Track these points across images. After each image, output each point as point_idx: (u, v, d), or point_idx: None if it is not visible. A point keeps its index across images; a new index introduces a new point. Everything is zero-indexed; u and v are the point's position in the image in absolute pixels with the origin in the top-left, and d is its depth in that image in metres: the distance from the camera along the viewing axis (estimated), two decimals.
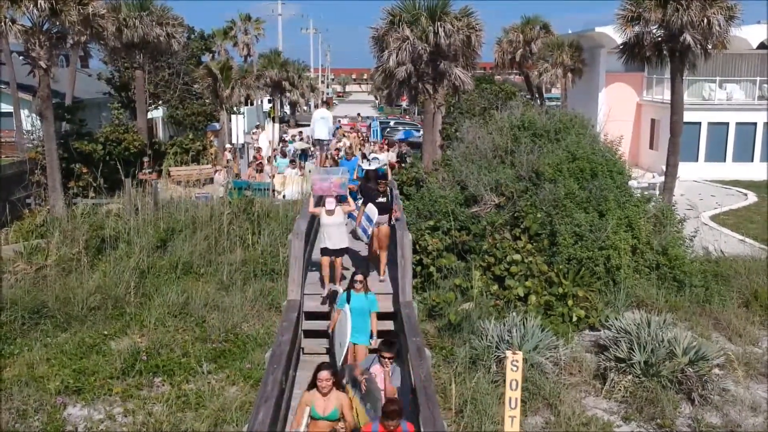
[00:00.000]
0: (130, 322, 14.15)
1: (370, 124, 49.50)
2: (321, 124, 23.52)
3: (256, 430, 7.73)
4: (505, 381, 8.41)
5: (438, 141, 26.51)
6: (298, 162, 28.24)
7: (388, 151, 29.43)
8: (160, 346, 13.08)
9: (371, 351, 10.37)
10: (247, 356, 12.90)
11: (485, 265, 15.09)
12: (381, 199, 13.44)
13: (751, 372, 12.91)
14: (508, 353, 8.29)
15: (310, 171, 25.92)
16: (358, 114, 66.18)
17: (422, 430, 8.07)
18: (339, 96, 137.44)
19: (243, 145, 34.11)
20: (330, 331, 11.07)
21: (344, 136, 35.45)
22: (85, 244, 16.78)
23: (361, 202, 13.96)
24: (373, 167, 14.90)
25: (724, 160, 32.68)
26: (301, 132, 41.19)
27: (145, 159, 25.95)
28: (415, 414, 8.74)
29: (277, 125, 32.88)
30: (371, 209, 13.25)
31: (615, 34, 25.32)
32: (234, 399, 11.40)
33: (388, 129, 48.28)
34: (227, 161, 29.22)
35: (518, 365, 8.16)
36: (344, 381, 9.16)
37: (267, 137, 34.26)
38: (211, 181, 27.63)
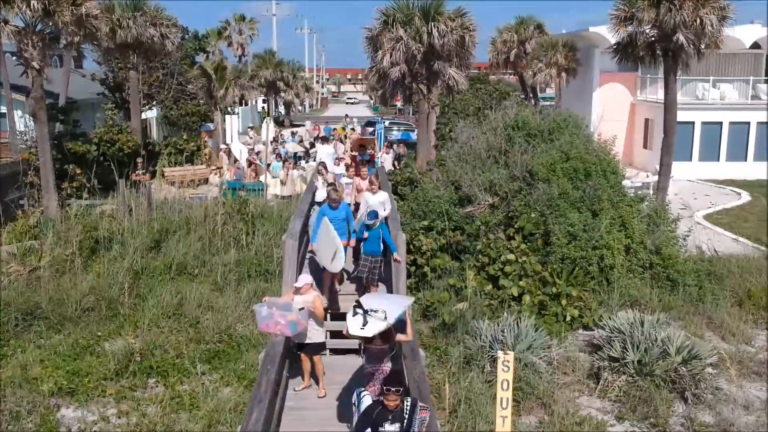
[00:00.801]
0: (123, 323, 14.12)
1: (374, 126, 48.29)
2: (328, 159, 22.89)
3: (249, 431, 7.73)
4: (496, 381, 8.42)
5: (432, 141, 26.55)
6: (292, 162, 28.16)
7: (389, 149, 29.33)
8: (154, 347, 13.06)
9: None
10: (241, 357, 12.89)
11: (479, 265, 15.11)
12: (391, 428, 7.48)
13: (744, 371, 12.96)
14: (500, 353, 8.30)
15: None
16: (346, 115, 56.03)
17: (415, 430, 8.07)
18: (334, 96, 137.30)
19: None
20: None
21: (339, 139, 34.67)
22: (79, 245, 16.74)
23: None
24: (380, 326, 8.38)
25: (718, 160, 32.76)
26: (294, 132, 40.98)
27: (139, 160, 25.89)
28: None
29: (272, 125, 32.65)
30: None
31: (609, 34, 25.38)
32: (228, 400, 11.39)
33: (380, 120, 48.11)
34: (223, 165, 29.05)
35: (509, 366, 8.16)
36: None
37: (239, 144, 32.35)
38: (206, 181, 27.60)
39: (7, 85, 31.77)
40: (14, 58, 24.14)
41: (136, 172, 24.65)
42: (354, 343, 11.03)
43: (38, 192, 21.13)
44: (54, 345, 13.19)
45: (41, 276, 15.51)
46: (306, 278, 10.35)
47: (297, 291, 10.23)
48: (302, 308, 9.85)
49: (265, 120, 34.78)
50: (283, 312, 9.66)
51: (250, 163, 28.04)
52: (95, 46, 27.75)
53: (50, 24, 19.69)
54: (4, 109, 32.78)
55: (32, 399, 11.35)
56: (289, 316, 9.62)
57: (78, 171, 23.22)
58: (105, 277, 15.57)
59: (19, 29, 19.47)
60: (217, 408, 11.15)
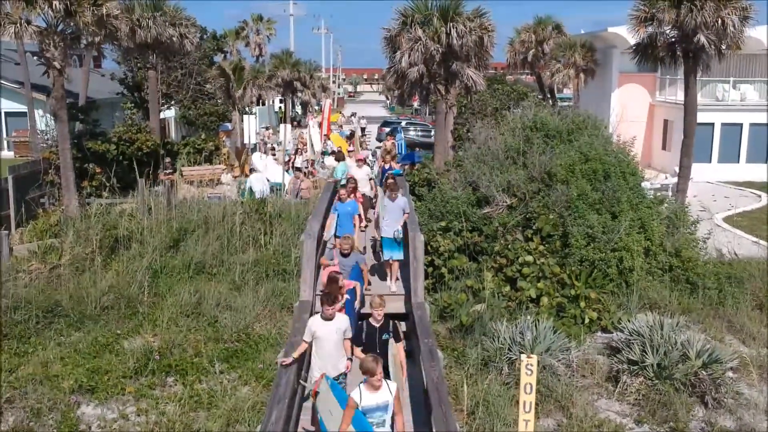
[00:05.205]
0: (142, 321, 14.20)
1: (390, 126, 46.01)
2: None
3: (269, 431, 7.75)
4: (518, 384, 8.39)
5: (450, 141, 26.48)
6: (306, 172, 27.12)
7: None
8: (172, 346, 13.12)
9: None
10: (259, 356, 12.93)
11: (497, 267, 15.07)
12: None
13: (765, 375, 12.83)
14: (523, 357, 8.27)
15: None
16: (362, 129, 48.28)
17: (435, 430, 8.08)
18: (350, 96, 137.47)
19: (255, 145, 34.05)
20: None
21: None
22: (99, 244, 16.86)
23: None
24: None
25: (738, 161, 32.46)
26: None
27: (168, 160, 25.95)
28: (428, 414, 8.75)
29: (288, 126, 32.56)
30: None
31: (628, 35, 25.22)
32: (246, 399, 11.44)
33: (399, 129, 47.92)
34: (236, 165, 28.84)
35: (533, 369, 8.14)
36: None
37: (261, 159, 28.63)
38: (219, 180, 27.55)
39: (28, 84, 32.13)
40: (35, 57, 24.37)
41: (165, 171, 24.70)
42: None
43: (59, 190, 21.30)
44: (74, 343, 13.29)
45: (61, 274, 15.65)
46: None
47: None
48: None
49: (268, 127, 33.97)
50: None
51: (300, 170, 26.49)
52: (115, 46, 27.97)
53: (71, 24, 19.82)
54: (25, 109, 33.17)
55: (53, 396, 11.46)
56: None
57: (98, 170, 23.37)
58: (124, 276, 15.68)
59: (41, 29, 19.61)
60: (235, 407, 11.21)
